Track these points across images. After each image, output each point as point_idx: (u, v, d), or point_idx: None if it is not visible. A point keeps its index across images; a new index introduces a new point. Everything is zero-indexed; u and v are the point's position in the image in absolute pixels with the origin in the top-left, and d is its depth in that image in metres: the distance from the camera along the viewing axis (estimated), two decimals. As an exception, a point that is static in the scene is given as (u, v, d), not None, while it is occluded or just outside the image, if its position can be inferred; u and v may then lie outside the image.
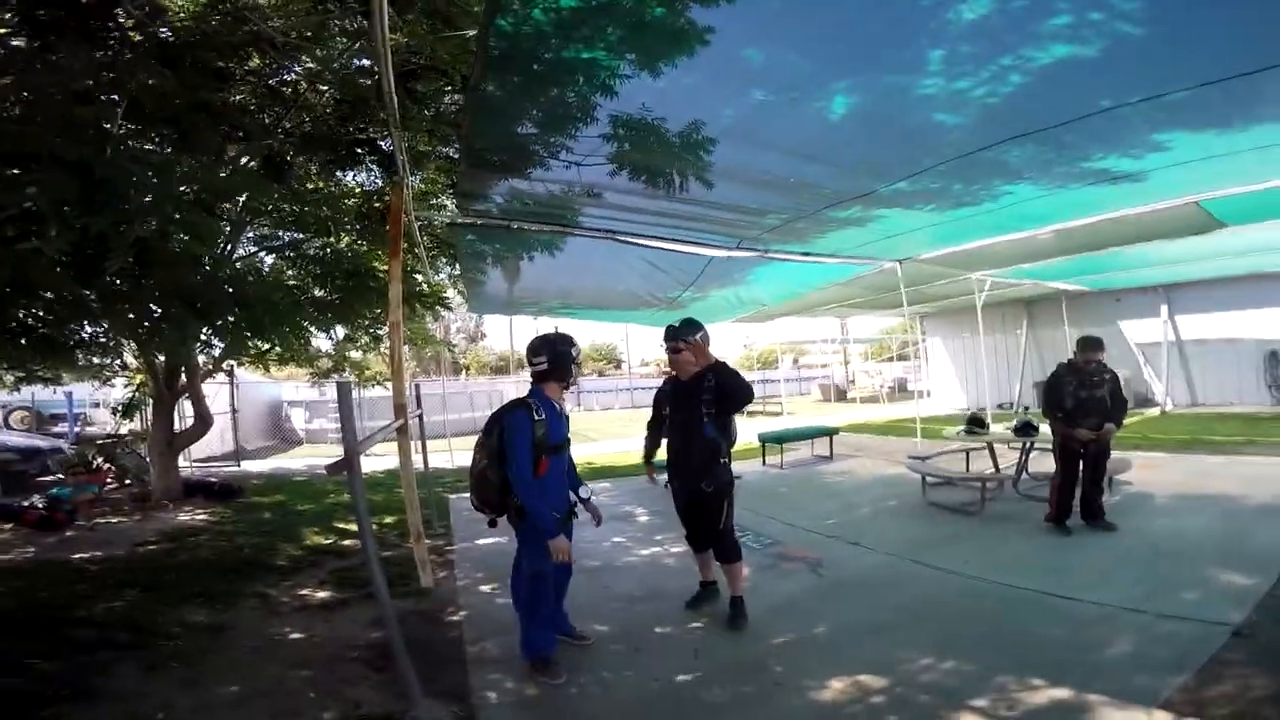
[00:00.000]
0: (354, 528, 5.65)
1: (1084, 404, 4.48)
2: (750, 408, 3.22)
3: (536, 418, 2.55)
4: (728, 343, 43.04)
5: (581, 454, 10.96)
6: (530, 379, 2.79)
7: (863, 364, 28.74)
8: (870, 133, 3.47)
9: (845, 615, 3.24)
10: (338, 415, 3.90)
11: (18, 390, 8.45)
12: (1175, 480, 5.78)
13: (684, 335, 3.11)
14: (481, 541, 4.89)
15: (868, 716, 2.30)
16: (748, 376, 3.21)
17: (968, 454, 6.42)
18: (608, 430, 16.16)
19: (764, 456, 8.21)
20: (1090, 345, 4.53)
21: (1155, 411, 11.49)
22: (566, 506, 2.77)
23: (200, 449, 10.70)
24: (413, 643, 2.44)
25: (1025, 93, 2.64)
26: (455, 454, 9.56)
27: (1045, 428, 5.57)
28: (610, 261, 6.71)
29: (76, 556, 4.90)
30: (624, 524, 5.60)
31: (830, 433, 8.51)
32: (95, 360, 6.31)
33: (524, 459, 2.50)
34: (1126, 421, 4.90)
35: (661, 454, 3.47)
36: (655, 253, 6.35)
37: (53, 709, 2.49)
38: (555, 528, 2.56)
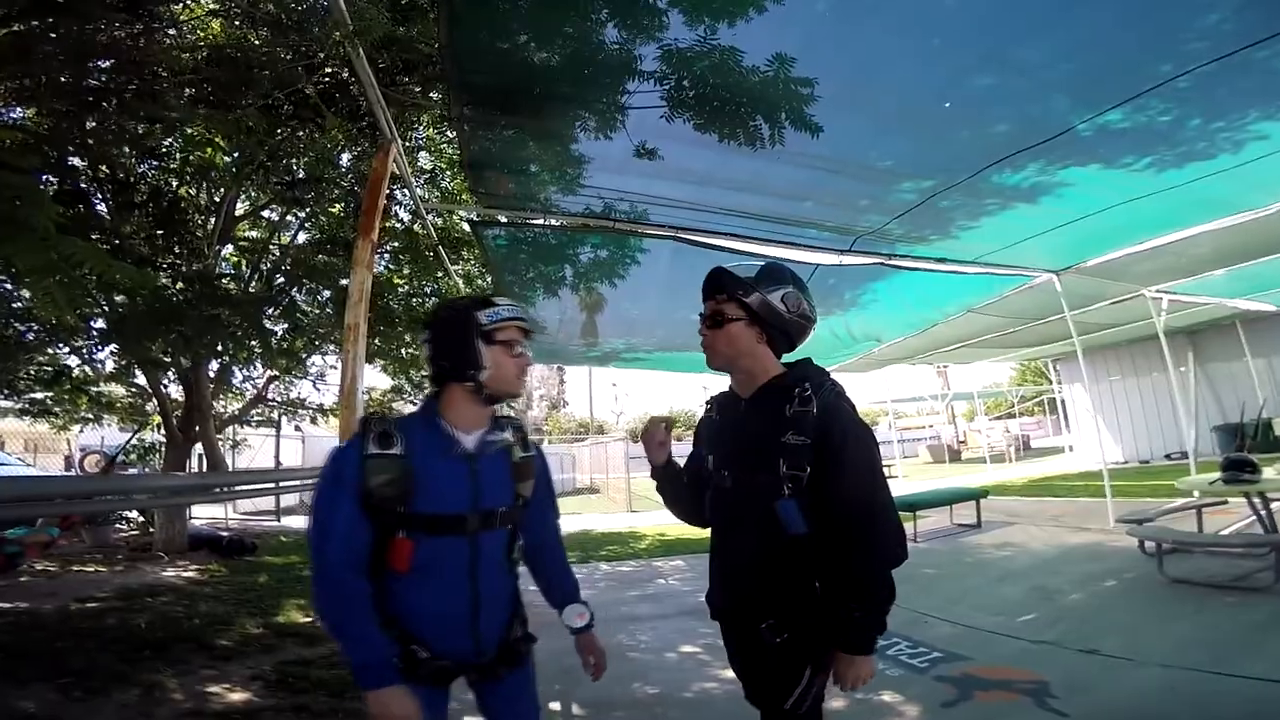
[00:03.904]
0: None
1: None
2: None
3: (373, 450, 1.17)
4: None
5: (648, 523, 9.16)
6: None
7: (967, 422, 25.48)
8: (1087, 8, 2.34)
9: None
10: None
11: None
12: None
13: (736, 288, 1.30)
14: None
15: None
16: None
17: (1199, 512, 4.86)
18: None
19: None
20: None
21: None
22: (472, 642, 1.26)
23: (250, 501, 10.04)
24: None
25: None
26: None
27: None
28: (680, 275, 5.34)
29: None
30: (697, 623, 3.75)
31: (978, 495, 6.46)
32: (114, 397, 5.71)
33: (328, 527, 1.17)
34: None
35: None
36: (737, 261, 4.92)
37: None
38: (380, 670, 1.13)
